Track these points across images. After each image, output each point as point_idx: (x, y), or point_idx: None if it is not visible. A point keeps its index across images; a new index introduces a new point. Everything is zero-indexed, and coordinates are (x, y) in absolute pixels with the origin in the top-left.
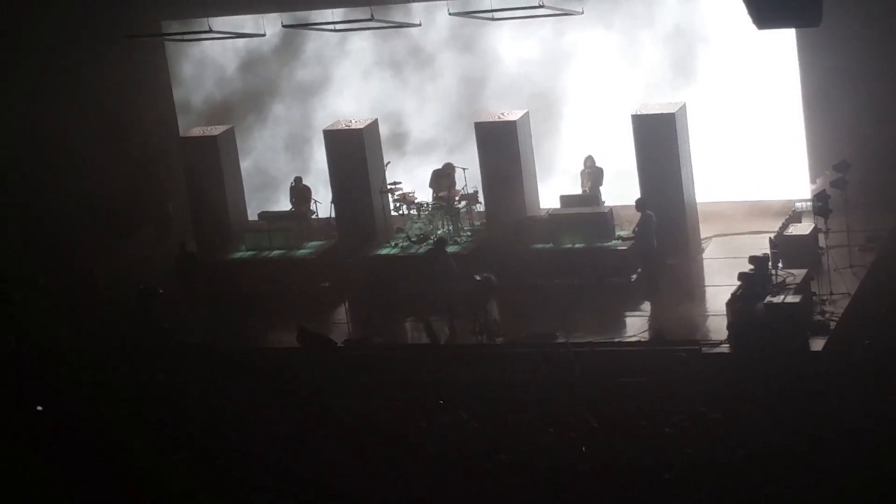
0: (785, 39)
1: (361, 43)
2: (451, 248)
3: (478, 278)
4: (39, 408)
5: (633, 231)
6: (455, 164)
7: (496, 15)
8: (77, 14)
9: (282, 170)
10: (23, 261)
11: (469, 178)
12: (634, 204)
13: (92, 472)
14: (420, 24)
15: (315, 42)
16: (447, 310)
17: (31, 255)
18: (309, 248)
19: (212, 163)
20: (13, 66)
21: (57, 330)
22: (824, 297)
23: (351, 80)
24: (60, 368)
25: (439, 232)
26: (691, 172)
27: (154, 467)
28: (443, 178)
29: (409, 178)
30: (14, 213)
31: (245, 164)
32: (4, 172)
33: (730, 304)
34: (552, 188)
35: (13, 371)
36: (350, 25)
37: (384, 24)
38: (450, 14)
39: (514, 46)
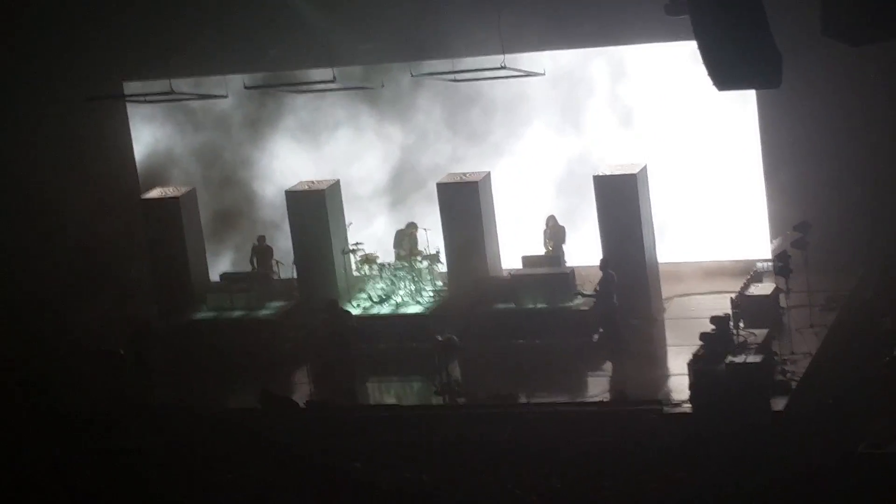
0: (746, 100)
1: (323, 102)
2: (412, 309)
3: (440, 339)
4: None
5: (595, 290)
6: (418, 225)
7: (458, 76)
8: (38, 75)
9: (244, 229)
10: None
11: (431, 238)
12: (599, 263)
13: None
14: (383, 86)
15: (278, 102)
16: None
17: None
18: (271, 308)
19: (174, 224)
20: None
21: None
22: (785, 357)
23: (313, 139)
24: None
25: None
26: (653, 233)
27: None
28: (405, 238)
29: (372, 239)
30: None
31: (207, 224)
32: None
33: (691, 364)
34: (515, 248)
35: None
36: (313, 87)
37: (347, 87)
38: (413, 76)
39: (474, 105)
